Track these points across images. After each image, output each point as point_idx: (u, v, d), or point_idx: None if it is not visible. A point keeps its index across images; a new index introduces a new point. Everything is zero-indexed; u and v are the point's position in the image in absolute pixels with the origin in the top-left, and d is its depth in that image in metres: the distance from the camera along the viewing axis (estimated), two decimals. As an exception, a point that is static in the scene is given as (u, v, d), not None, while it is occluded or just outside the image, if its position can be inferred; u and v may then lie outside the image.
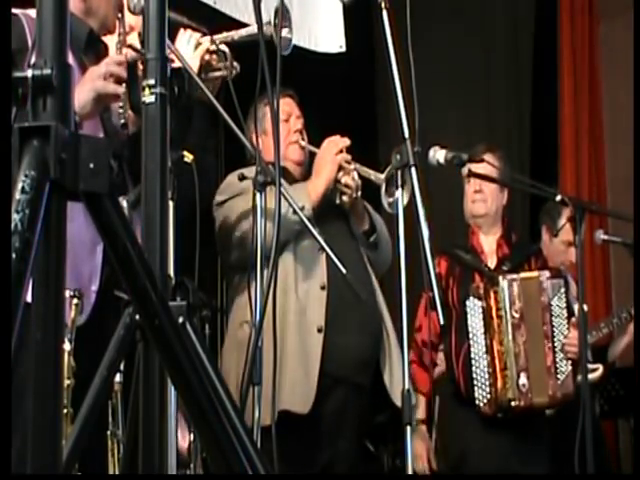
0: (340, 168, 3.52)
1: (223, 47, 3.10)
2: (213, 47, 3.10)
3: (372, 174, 3.46)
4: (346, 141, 3.57)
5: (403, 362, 2.48)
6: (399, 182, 2.55)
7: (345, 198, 3.56)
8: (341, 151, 3.54)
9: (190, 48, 3.05)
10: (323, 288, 3.44)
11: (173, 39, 3.08)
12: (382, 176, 3.31)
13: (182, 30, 3.11)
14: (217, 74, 3.11)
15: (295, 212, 3.02)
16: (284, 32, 3.03)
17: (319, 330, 3.39)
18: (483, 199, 4.14)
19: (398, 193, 2.53)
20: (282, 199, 2.93)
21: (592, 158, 6.50)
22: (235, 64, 3.07)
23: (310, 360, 3.35)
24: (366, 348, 3.50)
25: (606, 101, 6.60)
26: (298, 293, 3.42)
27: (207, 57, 3.10)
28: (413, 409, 2.51)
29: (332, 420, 3.43)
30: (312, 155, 3.70)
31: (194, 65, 3.01)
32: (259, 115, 3.61)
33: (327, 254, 3.07)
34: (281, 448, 2.94)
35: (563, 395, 3.90)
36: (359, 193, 3.56)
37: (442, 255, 4.07)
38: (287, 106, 3.74)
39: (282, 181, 2.99)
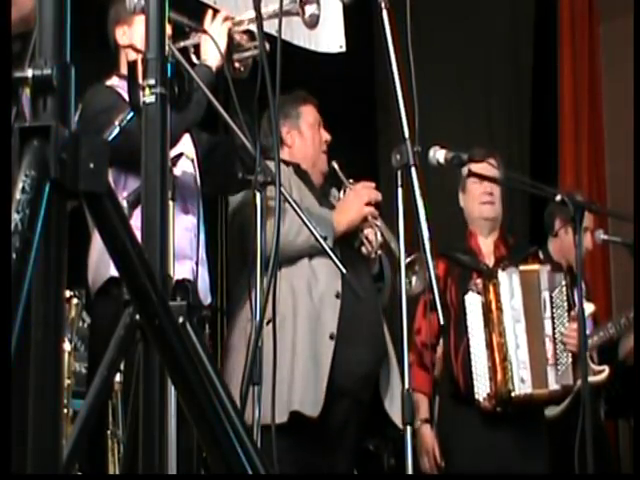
0: (365, 219, 3.53)
1: (252, 27, 3.15)
2: (242, 26, 3.16)
3: (394, 242, 3.45)
4: (378, 196, 3.58)
5: (403, 362, 2.48)
6: (399, 182, 2.55)
7: (363, 249, 3.57)
8: (369, 203, 3.54)
9: (217, 26, 3.14)
10: (337, 296, 3.45)
11: (200, 22, 3.15)
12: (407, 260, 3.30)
13: (210, 13, 3.17)
14: (247, 54, 3.18)
15: (317, 240, 3.02)
16: (312, 8, 3.06)
17: (331, 337, 3.40)
18: (493, 201, 4.13)
19: (399, 193, 2.53)
20: (306, 225, 2.94)
21: (592, 158, 6.50)
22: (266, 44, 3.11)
23: (321, 365, 3.36)
24: (371, 364, 3.51)
25: (606, 101, 6.60)
26: (313, 298, 3.42)
27: (237, 37, 3.14)
28: (415, 409, 2.50)
29: (333, 432, 3.43)
30: (337, 178, 3.72)
31: (222, 43, 3.10)
32: (292, 113, 3.64)
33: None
34: (288, 449, 2.96)
35: (563, 387, 3.90)
36: (379, 252, 3.56)
37: (440, 257, 4.06)
38: (317, 114, 3.78)
39: (309, 202, 3.00)
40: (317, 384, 3.34)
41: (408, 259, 3.21)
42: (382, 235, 3.54)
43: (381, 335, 3.58)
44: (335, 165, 3.77)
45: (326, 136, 3.77)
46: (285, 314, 3.32)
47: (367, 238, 3.56)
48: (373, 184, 3.65)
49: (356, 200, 3.57)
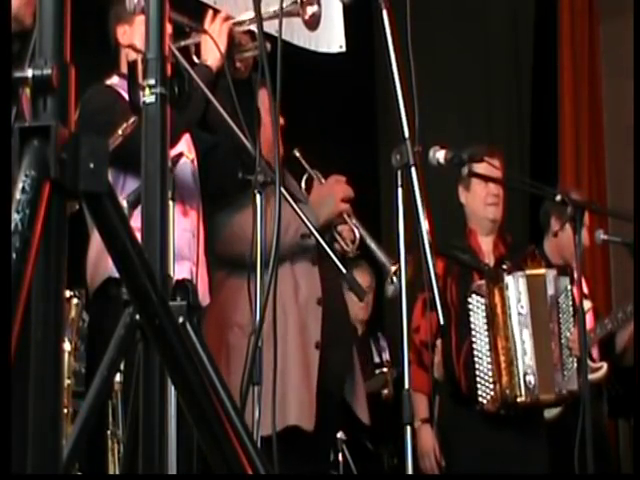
0: (340, 215, 3.50)
1: (253, 27, 3.14)
2: (243, 27, 3.15)
3: (369, 238, 3.43)
4: (351, 192, 3.54)
5: (403, 362, 2.47)
6: (399, 182, 2.54)
7: (337, 246, 3.51)
8: (344, 199, 3.51)
9: (217, 26, 3.14)
10: (319, 303, 3.43)
11: (201, 21, 3.14)
12: (393, 268, 3.26)
13: (210, 12, 3.17)
14: (248, 54, 3.16)
15: (303, 236, 2.99)
16: (313, 9, 3.05)
17: (316, 346, 3.39)
18: (498, 203, 4.12)
19: (399, 193, 2.53)
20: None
21: (592, 158, 6.50)
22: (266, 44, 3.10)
23: (310, 376, 3.35)
24: (345, 364, 3.52)
25: (606, 101, 6.60)
26: (299, 306, 3.41)
27: (238, 37, 3.14)
28: (414, 409, 2.50)
29: (321, 437, 3.42)
30: (298, 164, 3.68)
31: (223, 43, 3.10)
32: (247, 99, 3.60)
33: (328, 256, 3.05)
34: (284, 462, 2.96)
35: (569, 392, 3.89)
36: (355, 251, 3.51)
37: (439, 256, 4.04)
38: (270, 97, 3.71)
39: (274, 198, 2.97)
40: (309, 395, 3.33)
41: (394, 267, 3.20)
42: (359, 233, 3.51)
43: (349, 333, 3.62)
44: (297, 153, 3.70)
45: (280, 120, 3.72)
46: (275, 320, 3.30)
47: (341, 235, 3.53)
48: (344, 178, 3.61)
49: (332, 196, 3.51)
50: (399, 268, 2.51)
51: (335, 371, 3.43)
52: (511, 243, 4.22)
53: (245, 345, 3.04)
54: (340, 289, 3.52)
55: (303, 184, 3.66)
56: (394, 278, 3.02)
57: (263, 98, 3.65)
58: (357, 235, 3.49)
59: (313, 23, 3.11)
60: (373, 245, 3.41)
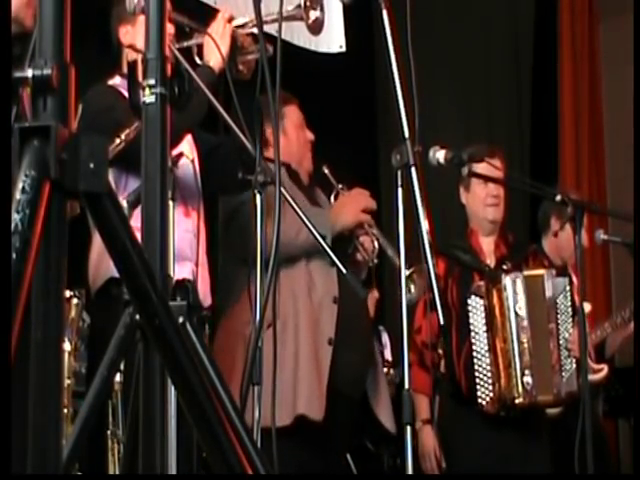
0: (360, 225, 3.53)
1: (256, 29, 3.15)
2: (246, 29, 3.17)
3: (390, 250, 3.44)
4: (374, 205, 3.58)
5: (403, 362, 2.48)
6: (399, 182, 2.55)
7: (358, 256, 3.56)
8: (365, 210, 3.54)
9: (220, 27, 3.15)
10: (335, 301, 3.46)
11: (204, 22, 3.17)
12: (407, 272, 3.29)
13: (217, 14, 3.19)
14: (251, 57, 3.18)
15: (317, 240, 3.02)
16: (316, 13, 3.06)
17: (329, 342, 3.42)
18: (498, 204, 4.12)
19: (399, 193, 2.53)
20: (306, 223, 2.93)
21: (592, 158, 6.51)
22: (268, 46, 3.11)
23: (320, 370, 3.39)
24: (362, 365, 3.54)
25: (606, 101, 6.60)
26: (313, 302, 3.44)
27: (241, 39, 3.15)
28: (415, 410, 2.51)
29: (332, 434, 3.45)
30: (326, 180, 3.71)
31: (225, 44, 3.11)
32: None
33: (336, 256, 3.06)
34: (292, 451, 2.99)
35: (567, 393, 3.89)
36: (375, 261, 3.55)
37: (440, 256, 4.04)
38: (300, 114, 3.76)
39: (300, 201, 3.00)
40: (319, 387, 3.36)
41: (407, 272, 3.21)
42: (379, 243, 3.53)
43: (370, 337, 3.64)
44: (326, 170, 3.77)
45: (310, 136, 3.76)
46: (286, 317, 3.33)
47: (363, 245, 3.56)
48: (367, 192, 3.64)
49: (353, 205, 3.57)
50: (400, 270, 2.52)
51: (350, 371, 3.46)
52: (513, 243, 4.22)
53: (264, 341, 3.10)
54: None
55: (332, 199, 3.73)
56: (412, 287, 3.04)
57: (290, 114, 3.69)
58: (375, 245, 3.52)
59: (316, 27, 3.12)
60: (391, 253, 3.42)
